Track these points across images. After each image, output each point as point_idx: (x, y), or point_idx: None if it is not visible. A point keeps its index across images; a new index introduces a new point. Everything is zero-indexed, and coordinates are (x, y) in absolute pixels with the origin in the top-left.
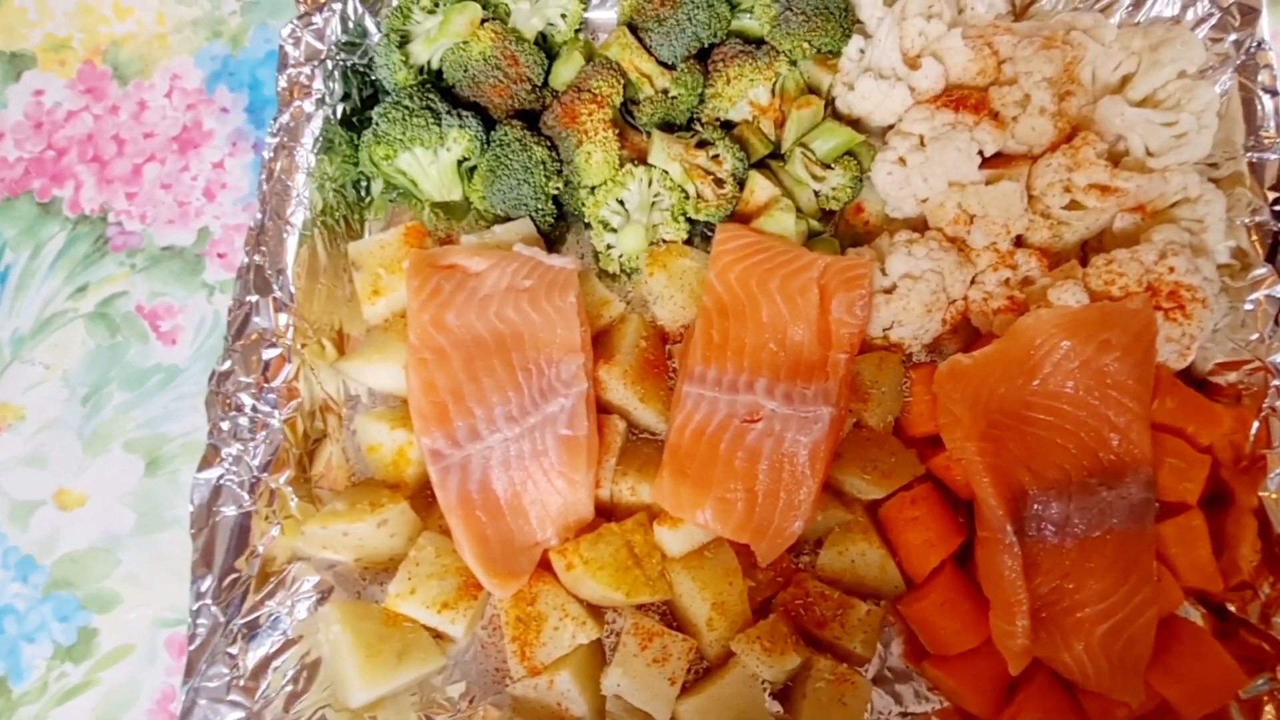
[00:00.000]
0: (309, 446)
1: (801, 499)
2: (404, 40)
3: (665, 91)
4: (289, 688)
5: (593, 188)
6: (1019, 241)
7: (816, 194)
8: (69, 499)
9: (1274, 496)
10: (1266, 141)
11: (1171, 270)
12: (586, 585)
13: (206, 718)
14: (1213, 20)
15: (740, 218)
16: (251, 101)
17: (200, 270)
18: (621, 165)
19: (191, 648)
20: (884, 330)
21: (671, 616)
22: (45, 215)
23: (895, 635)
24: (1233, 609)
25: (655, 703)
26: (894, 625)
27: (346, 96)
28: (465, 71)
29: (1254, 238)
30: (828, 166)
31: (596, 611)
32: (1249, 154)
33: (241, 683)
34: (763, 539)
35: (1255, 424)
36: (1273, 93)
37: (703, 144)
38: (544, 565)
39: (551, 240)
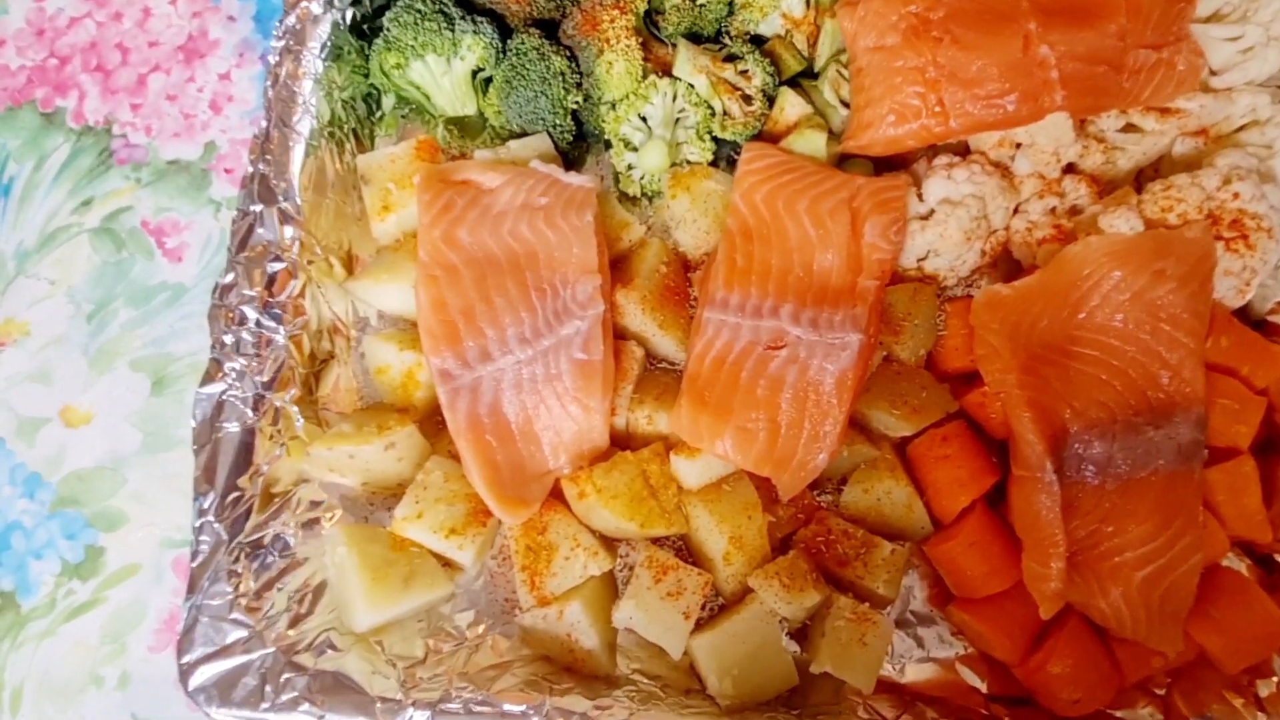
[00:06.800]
0: (315, 368)
1: (826, 430)
2: None
3: None
4: (293, 609)
5: (614, 103)
6: (1069, 168)
7: None
8: (75, 416)
9: None
10: None
11: (1235, 197)
12: (599, 515)
13: (209, 636)
14: None
15: (769, 137)
16: (259, 10)
17: (207, 186)
18: (645, 77)
19: (194, 564)
20: (918, 260)
21: (687, 551)
22: (49, 126)
23: (919, 579)
24: None
25: (668, 637)
26: (918, 569)
27: (357, 2)
28: None
29: None
30: None
31: (609, 543)
32: None
33: (244, 602)
34: (785, 472)
35: None
36: None
37: (731, 58)
38: (556, 494)
39: (570, 162)
